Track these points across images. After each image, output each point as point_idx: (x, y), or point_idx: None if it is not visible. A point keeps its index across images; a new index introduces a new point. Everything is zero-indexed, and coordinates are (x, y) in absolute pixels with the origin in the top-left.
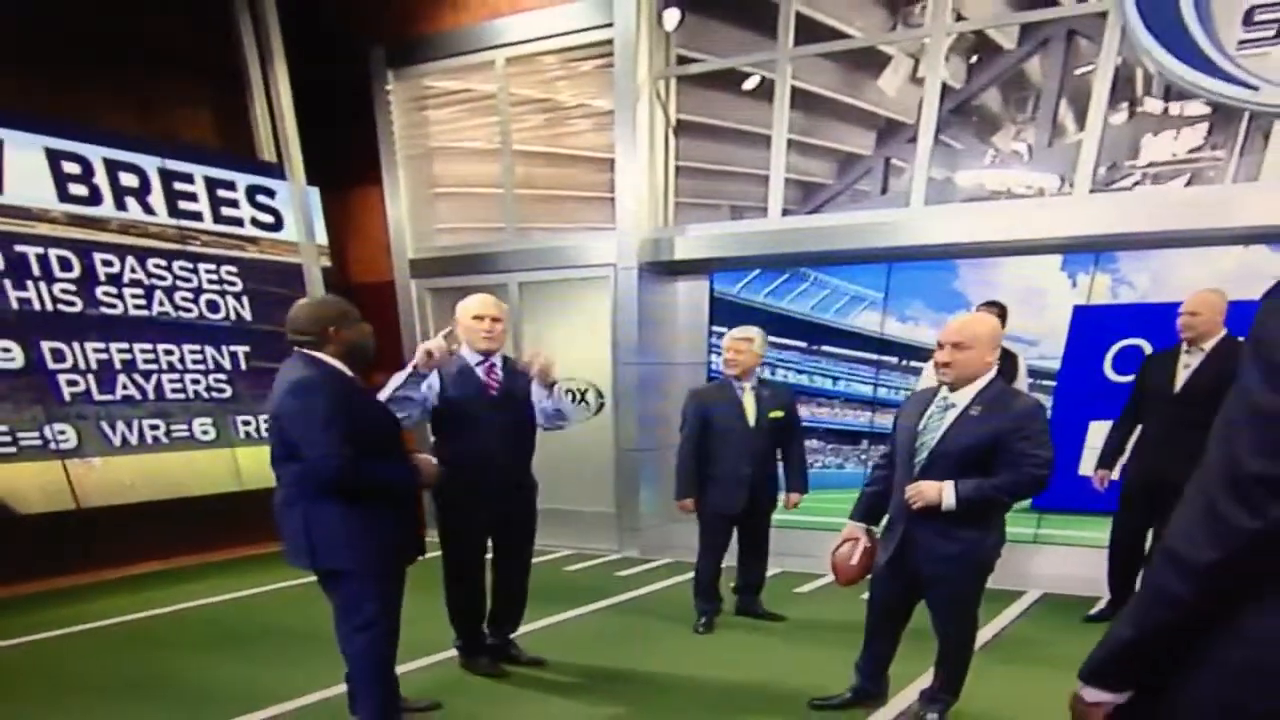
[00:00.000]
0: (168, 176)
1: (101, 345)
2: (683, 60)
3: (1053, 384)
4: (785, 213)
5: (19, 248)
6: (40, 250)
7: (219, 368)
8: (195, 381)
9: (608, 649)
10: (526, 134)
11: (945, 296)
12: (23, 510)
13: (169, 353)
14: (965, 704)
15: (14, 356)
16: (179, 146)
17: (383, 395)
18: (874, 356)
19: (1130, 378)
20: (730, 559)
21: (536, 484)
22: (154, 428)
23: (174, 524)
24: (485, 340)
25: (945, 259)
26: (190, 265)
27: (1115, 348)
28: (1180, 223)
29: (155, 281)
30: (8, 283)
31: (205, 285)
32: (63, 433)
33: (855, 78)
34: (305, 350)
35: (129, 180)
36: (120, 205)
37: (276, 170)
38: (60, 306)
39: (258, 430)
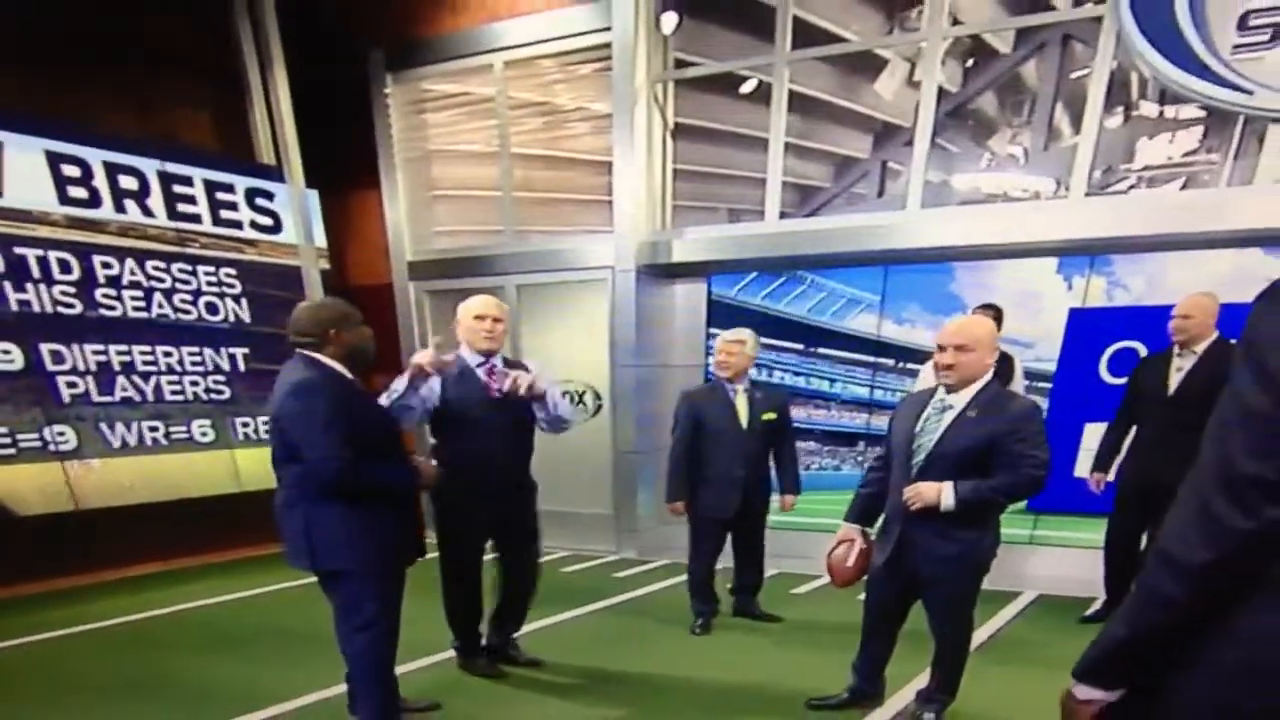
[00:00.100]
0: (167, 179)
1: (101, 347)
2: (680, 64)
3: (1048, 386)
4: (782, 215)
5: (19, 250)
6: (40, 252)
7: (218, 369)
8: (194, 383)
9: (605, 650)
10: (525, 137)
11: (942, 299)
12: (22, 512)
13: (168, 354)
14: (961, 704)
15: (13, 358)
16: (178, 149)
17: (383, 402)
18: (870, 359)
19: (1125, 380)
20: (726, 560)
21: (536, 484)
22: (153, 429)
23: (173, 525)
24: (486, 340)
25: (941, 262)
26: (189, 267)
27: (1110, 350)
28: (1175, 226)
29: (154, 284)
30: (7, 285)
31: (204, 287)
32: (62, 434)
33: (852, 81)
34: (305, 352)
35: (128, 183)
36: (120, 208)
37: (275, 173)
38: (60, 308)
39: (256, 432)
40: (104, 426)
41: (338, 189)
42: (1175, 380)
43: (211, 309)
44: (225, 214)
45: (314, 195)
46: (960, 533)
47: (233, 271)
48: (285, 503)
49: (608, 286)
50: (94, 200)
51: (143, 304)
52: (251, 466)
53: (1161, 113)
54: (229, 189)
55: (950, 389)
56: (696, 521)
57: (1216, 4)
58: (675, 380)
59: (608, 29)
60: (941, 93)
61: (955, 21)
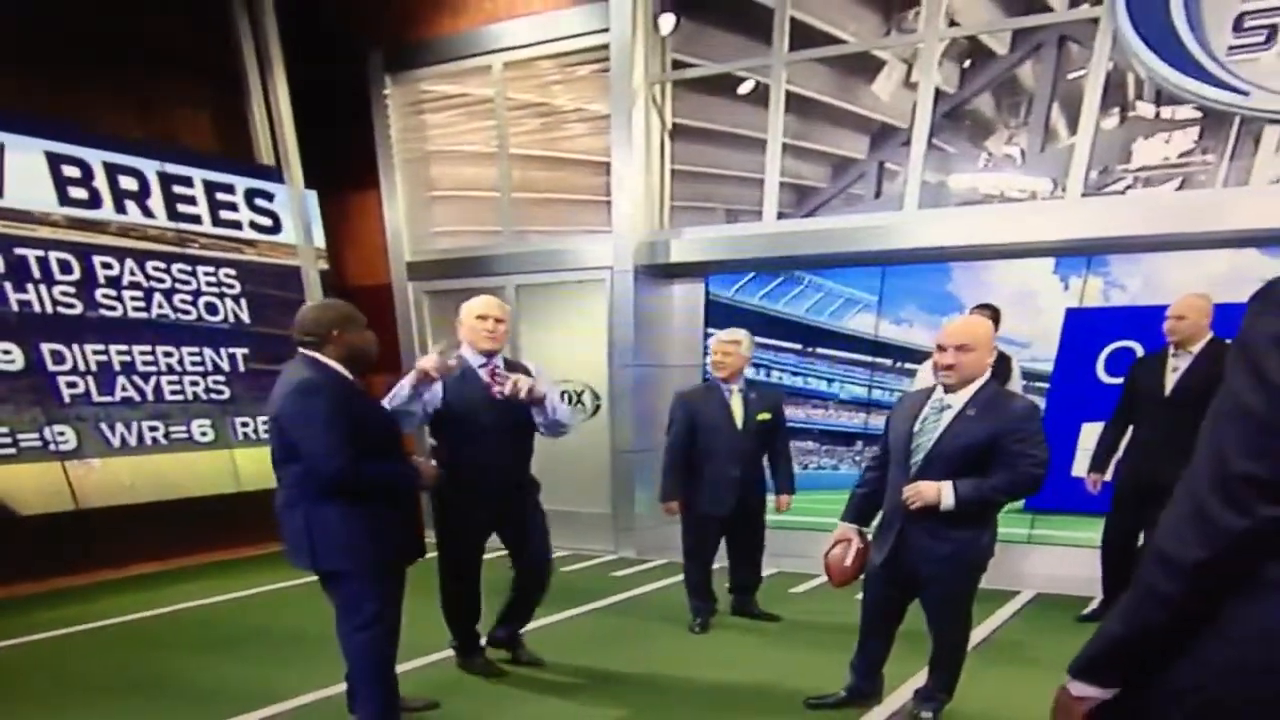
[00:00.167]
0: (167, 180)
1: (101, 347)
2: (678, 65)
3: (1045, 386)
4: (780, 216)
5: (19, 250)
6: (40, 253)
7: (217, 369)
8: (194, 383)
9: (603, 649)
10: (523, 138)
11: (939, 299)
12: (23, 511)
13: (168, 355)
14: (959, 703)
15: (14, 358)
16: (178, 150)
17: (386, 404)
18: (868, 359)
19: (1121, 380)
20: (722, 560)
21: (538, 483)
22: (153, 429)
23: (173, 525)
24: (488, 340)
25: (939, 262)
26: (189, 268)
27: (1107, 350)
28: (1171, 226)
29: (154, 284)
30: (8, 285)
31: (204, 288)
32: (62, 434)
33: (849, 82)
34: (307, 351)
35: (128, 183)
36: (120, 208)
37: (275, 174)
38: (60, 309)
39: (256, 432)
40: (104, 426)
41: (337, 189)
42: (1171, 380)
43: (211, 309)
44: (225, 214)
45: (313, 196)
46: (958, 532)
47: (232, 272)
48: (285, 502)
49: (606, 287)
50: (94, 201)
51: (143, 304)
52: (251, 466)
53: (1158, 113)
54: (229, 189)
55: (949, 389)
56: (693, 521)
57: (1212, 5)
58: (673, 380)
59: (606, 30)
60: (938, 94)
61: (952, 23)
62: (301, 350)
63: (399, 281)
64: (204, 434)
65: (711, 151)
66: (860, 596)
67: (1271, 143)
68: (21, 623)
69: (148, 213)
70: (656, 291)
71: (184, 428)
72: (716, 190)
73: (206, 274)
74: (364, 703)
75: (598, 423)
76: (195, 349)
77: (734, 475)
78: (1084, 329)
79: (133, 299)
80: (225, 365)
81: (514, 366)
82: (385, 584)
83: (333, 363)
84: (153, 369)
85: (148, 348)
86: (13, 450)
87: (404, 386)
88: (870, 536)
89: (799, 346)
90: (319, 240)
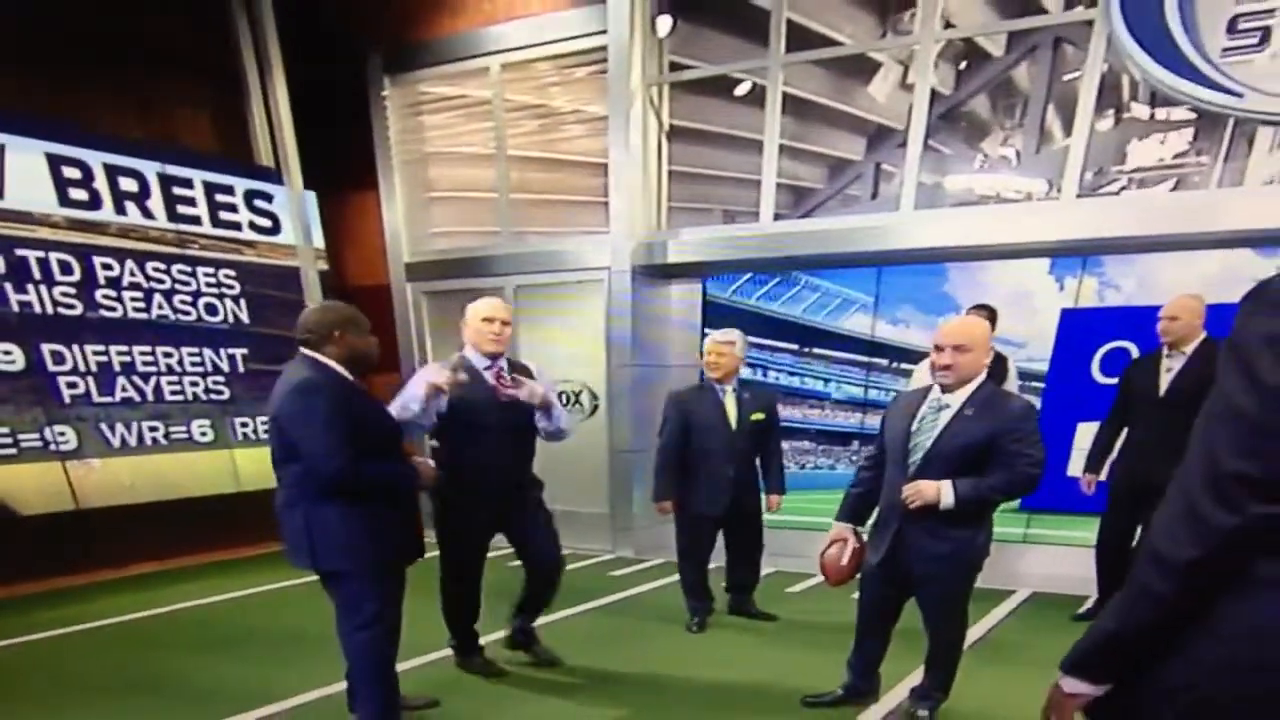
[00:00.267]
0: (167, 181)
1: (101, 348)
2: (675, 66)
3: (1041, 386)
4: (777, 217)
5: (20, 251)
6: (41, 254)
7: (217, 370)
8: (194, 384)
9: (601, 648)
10: (521, 139)
11: (935, 300)
12: (23, 511)
13: (168, 355)
14: (955, 701)
15: (14, 359)
16: (178, 151)
17: (394, 414)
18: (865, 359)
19: (1117, 380)
20: (718, 559)
21: (541, 482)
22: (153, 429)
23: (172, 525)
24: (493, 343)
25: (935, 263)
26: (189, 269)
27: (1102, 350)
28: (1166, 227)
29: (154, 285)
30: (9, 286)
31: (204, 288)
32: (63, 434)
33: (846, 84)
34: (308, 352)
35: (129, 185)
36: (120, 209)
37: (274, 175)
38: (60, 309)
39: (255, 432)
40: (104, 426)
41: (336, 190)
42: (1165, 381)
43: (211, 310)
44: (225, 215)
45: (312, 197)
46: (954, 531)
47: (232, 273)
48: (286, 502)
49: (604, 287)
50: (94, 202)
51: (143, 305)
52: (250, 466)
53: (1152, 115)
54: (228, 191)
55: (946, 389)
56: (687, 521)
57: (1206, 7)
58: (671, 380)
59: (603, 32)
60: (934, 95)
61: (948, 25)
62: (302, 350)
63: (398, 282)
64: (204, 434)
65: (709, 153)
66: (856, 596)
67: (1265, 144)
68: (21, 622)
69: (148, 214)
70: (654, 292)
71: (184, 428)
72: (714, 191)
73: (206, 275)
74: (364, 702)
75: (596, 423)
76: (195, 349)
77: (729, 475)
78: (1079, 329)
79: (133, 300)
80: (225, 366)
81: (518, 368)
82: (385, 584)
83: (333, 363)
84: (153, 369)
85: (148, 348)
86: (13, 450)
87: (415, 400)
88: (865, 536)
89: (795, 347)
90: (318, 241)
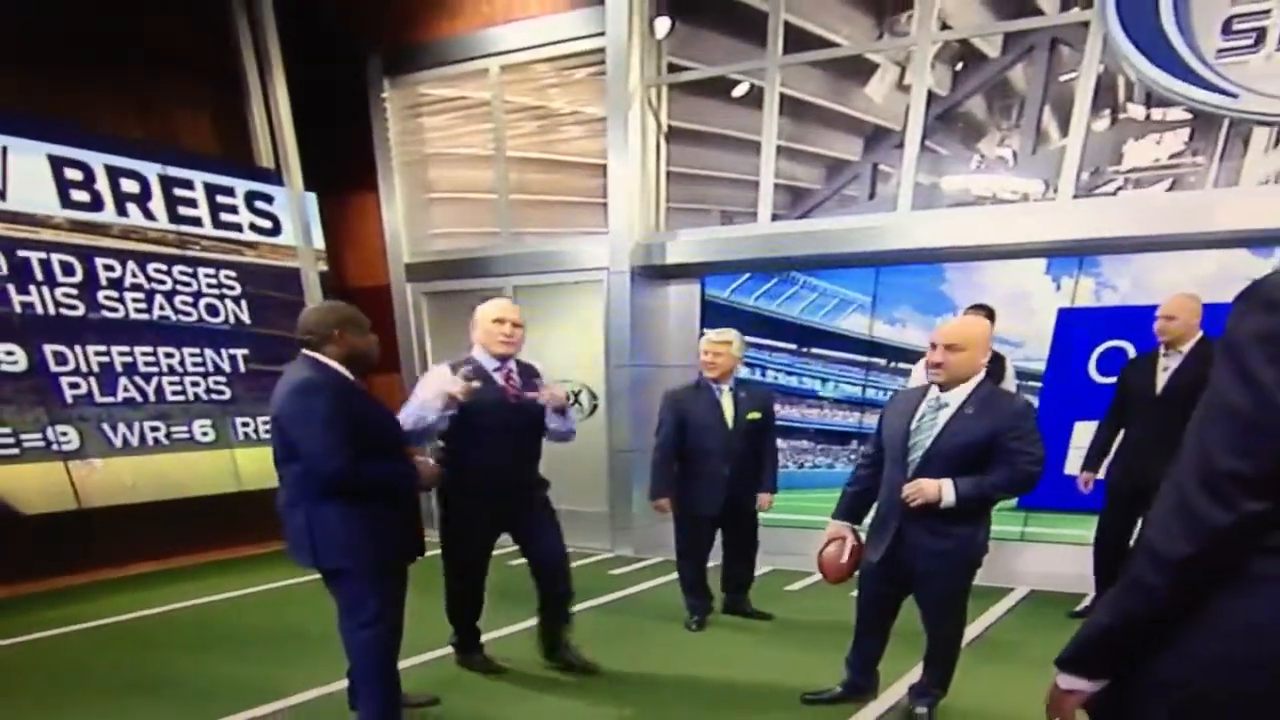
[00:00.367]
0: (168, 183)
1: (103, 348)
2: (674, 68)
3: (1038, 385)
4: (775, 218)
5: (22, 253)
6: (43, 255)
7: (218, 370)
8: (195, 384)
9: (600, 647)
10: (520, 140)
11: (932, 300)
12: (26, 511)
13: (169, 355)
14: (953, 699)
15: (17, 359)
16: (179, 153)
17: (403, 420)
18: (863, 358)
19: (1114, 379)
20: (715, 558)
21: (546, 482)
22: (154, 429)
23: (173, 524)
24: (503, 345)
25: (932, 263)
26: (190, 270)
27: (1099, 349)
28: (1162, 227)
29: (156, 285)
30: (11, 287)
31: (205, 289)
32: (65, 434)
33: (843, 85)
34: (308, 351)
35: (130, 186)
36: (121, 211)
37: (274, 176)
38: (63, 310)
39: (256, 432)
40: (106, 426)
41: (336, 192)
42: (1162, 380)
43: (212, 310)
44: (225, 217)
45: (312, 198)
46: (953, 529)
47: (233, 274)
48: (287, 501)
49: (603, 287)
50: (96, 203)
51: (144, 306)
52: (251, 466)
53: (1148, 116)
54: (229, 192)
55: (942, 387)
56: (685, 520)
57: (1201, 8)
58: (669, 380)
59: (602, 34)
60: (931, 96)
61: (944, 26)
62: (303, 350)
63: (398, 283)
64: (205, 434)
65: (707, 154)
66: (855, 594)
67: (1260, 144)
68: (21, 622)
69: (149, 215)
70: (652, 292)
71: (185, 428)
72: (711, 192)
73: (207, 276)
74: (366, 700)
75: (595, 422)
76: (196, 350)
77: (724, 474)
78: (1076, 329)
79: (134, 300)
80: (226, 366)
81: (525, 369)
82: (386, 583)
83: (333, 363)
84: (154, 370)
85: (149, 349)
86: (16, 450)
87: (431, 410)
88: (862, 535)
89: (794, 346)
90: (318, 242)
